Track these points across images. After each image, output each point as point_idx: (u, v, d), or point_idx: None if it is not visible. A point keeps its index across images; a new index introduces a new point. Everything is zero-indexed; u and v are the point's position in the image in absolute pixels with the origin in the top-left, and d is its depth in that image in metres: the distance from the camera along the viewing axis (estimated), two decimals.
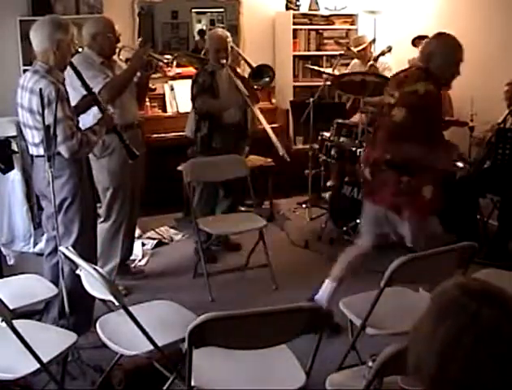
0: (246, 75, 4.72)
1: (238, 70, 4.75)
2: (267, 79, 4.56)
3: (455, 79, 3.26)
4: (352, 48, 5.46)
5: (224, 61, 4.35)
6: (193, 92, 4.36)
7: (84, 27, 3.84)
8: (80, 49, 3.63)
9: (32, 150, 3.17)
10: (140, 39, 5.49)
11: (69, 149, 3.02)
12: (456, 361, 1.04)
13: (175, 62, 5.55)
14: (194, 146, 4.48)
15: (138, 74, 3.90)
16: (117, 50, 3.92)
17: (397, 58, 5.23)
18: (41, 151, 3.05)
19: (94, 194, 3.40)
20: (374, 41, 5.65)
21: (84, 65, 3.54)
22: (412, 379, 1.13)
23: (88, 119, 3.41)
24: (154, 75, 5.65)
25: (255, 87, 4.57)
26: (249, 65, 4.69)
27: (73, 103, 3.25)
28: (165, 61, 4.00)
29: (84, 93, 3.34)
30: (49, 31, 3.03)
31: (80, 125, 3.23)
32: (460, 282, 1.12)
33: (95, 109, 3.39)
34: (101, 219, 3.91)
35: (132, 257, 4.37)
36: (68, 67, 3.22)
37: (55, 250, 3.20)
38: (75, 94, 3.38)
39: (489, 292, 1.09)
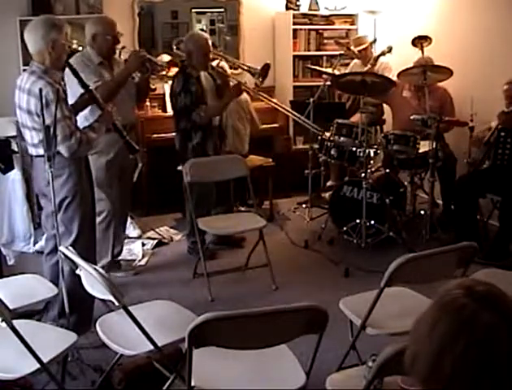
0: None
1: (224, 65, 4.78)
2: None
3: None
4: (352, 48, 5.47)
5: (209, 64, 4.35)
6: (186, 102, 4.16)
7: (86, 26, 3.88)
8: (80, 48, 3.63)
9: (32, 151, 3.18)
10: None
11: (68, 149, 3.03)
12: (449, 360, 1.04)
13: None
14: (181, 156, 4.34)
15: (137, 77, 3.89)
16: (117, 51, 3.92)
17: (397, 58, 5.23)
18: (40, 151, 3.05)
19: (93, 193, 3.39)
20: (375, 41, 5.65)
21: (80, 65, 3.53)
22: (411, 378, 1.13)
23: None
24: (154, 75, 5.67)
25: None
26: (251, 71, 4.65)
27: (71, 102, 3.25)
28: (159, 64, 3.98)
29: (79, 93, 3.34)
30: (43, 31, 3.02)
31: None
32: (465, 283, 1.11)
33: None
34: None
35: (132, 257, 4.38)
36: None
37: (55, 249, 3.21)
38: (71, 95, 3.37)
39: (493, 297, 1.08)
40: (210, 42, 4.32)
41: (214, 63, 4.66)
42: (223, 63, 4.89)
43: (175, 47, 4.67)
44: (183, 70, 4.32)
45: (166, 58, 5.66)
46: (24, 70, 3.70)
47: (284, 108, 4.97)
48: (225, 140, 4.70)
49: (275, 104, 4.99)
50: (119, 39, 3.90)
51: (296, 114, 4.80)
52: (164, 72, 4.08)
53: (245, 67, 4.64)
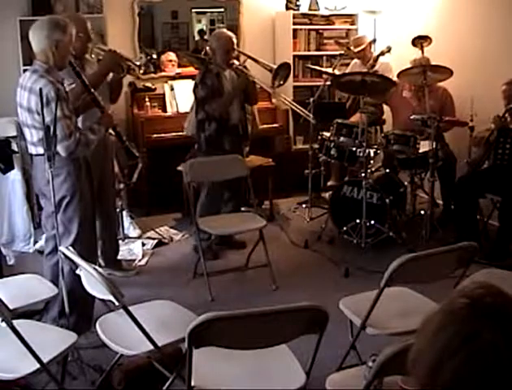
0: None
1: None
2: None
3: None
4: (352, 48, 5.46)
5: (232, 62, 4.37)
6: (202, 94, 4.32)
7: None
8: None
9: (31, 149, 3.18)
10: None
11: (66, 149, 3.03)
12: (447, 371, 1.03)
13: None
14: (197, 145, 4.48)
15: (110, 75, 3.85)
16: (89, 49, 3.80)
17: (397, 58, 5.23)
18: (40, 150, 3.05)
19: (93, 193, 3.39)
20: (374, 41, 5.65)
21: None
22: (411, 378, 1.12)
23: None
24: (154, 75, 5.69)
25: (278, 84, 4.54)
26: (267, 68, 4.62)
27: None
28: (137, 64, 3.93)
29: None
30: (48, 31, 3.03)
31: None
32: (475, 292, 1.09)
33: None
34: None
35: (132, 257, 4.37)
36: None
37: (55, 249, 3.21)
38: None
39: (498, 313, 1.05)
40: (234, 40, 4.38)
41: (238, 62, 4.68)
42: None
43: (207, 48, 4.72)
44: (206, 65, 4.47)
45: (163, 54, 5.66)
46: (25, 70, 3.70)
47: (295, 106, 4.98)
48: (248, 142, 4.70)
49: (291, 104, 5.02)
50: (91, 36, 3.74)
51: (308, 113, 4.81)
52: (142, 71, 4.04)
53: (267, 67, 4.61)
